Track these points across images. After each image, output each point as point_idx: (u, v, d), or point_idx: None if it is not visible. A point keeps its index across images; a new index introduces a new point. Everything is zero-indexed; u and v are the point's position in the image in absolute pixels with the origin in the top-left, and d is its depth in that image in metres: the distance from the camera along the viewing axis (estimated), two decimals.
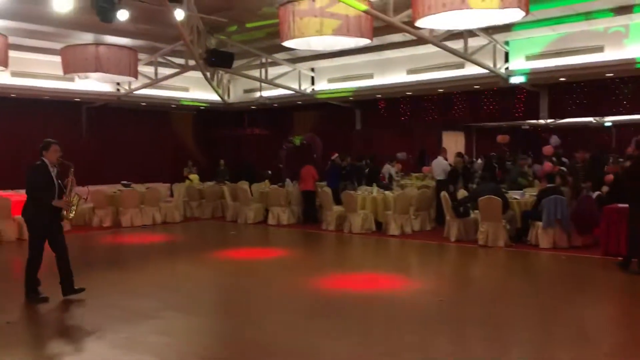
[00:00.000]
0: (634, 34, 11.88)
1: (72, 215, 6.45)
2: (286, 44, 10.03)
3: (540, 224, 9.95)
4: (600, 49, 12.28)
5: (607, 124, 21.69)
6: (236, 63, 14.85)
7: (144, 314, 6.23)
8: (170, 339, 5.46)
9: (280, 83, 16.43)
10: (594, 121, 20.70)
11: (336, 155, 14.51)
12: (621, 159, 12.00)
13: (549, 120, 19.39)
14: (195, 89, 17.90)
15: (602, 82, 13.76)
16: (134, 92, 16.20)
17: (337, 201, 13.00)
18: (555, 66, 12.81)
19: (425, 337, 5.54)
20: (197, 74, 15.80)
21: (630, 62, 11.87)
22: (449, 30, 11.59)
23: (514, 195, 11.05)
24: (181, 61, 15.10)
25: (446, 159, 13.31)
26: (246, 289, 7.62)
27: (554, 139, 13.80)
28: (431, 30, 11.48)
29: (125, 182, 15.13)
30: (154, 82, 15.66)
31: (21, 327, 5.92)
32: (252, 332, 5.66)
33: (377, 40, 12.64)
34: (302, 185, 13.95)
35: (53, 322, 5.88)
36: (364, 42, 10.04)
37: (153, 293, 7.30)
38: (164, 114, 19.53)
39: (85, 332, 5.61)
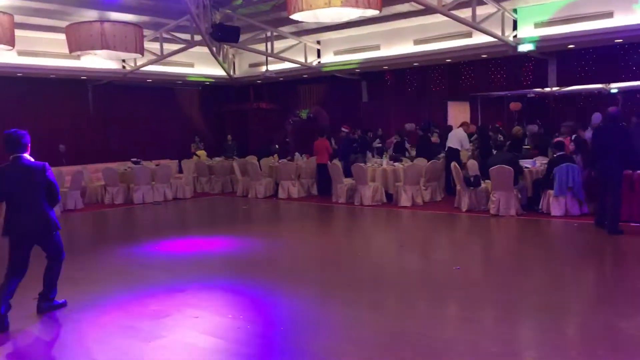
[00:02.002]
0: None
1: None
2: (294, 16, 9.96)
3: (552, 192, 10.01)
4: (609, 14, 12.15)
5: (613, 91, 21.56)
6: (241, 37, 14.74)
7: (173, 288, 6.34)
8: (200, 311, 5.55)
9: (286, 57, 16.34)
10: (602, 87, 20.56)
11: (346, 128, 14.57)
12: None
13: (555, 88, 19.28)
14: (200, 65, 17.82)
15: (611, 48, 13.66)
16: (140, 69, 16.15)
17: (347, 174, 13.07)
18: (564, 33, 12.67)
19: (443, 305, 5.64)
20: (202, 50, 15.71)
21: (638, 28, 11.76)
22: None
23: (525, 164, 11.08)
24: (186, 36, 15.01)
25: (466, 132, 13.26)
26: (267, 261, 7.72)
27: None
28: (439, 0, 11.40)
29: (134, 159, 15.20)
30: (160, 59, 15.59)
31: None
32: (284, 302, 5.78)
33: (384, 11, 12.48)
34: (318, 158, 14.03)
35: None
36: (371, 12, 9.97)
37: (178, 268, 7.41)
38: (169, 90, 19.49)
39: (109, 309, 5.73)
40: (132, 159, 15.26)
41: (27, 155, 5.30)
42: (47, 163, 5.42)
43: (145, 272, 7.23)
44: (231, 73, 18.17)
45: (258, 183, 14.47)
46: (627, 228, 8.62)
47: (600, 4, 12.16)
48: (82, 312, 5.58)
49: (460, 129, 13.19)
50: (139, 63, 15.98)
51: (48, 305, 5.63)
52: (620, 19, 12.01)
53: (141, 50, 13.29)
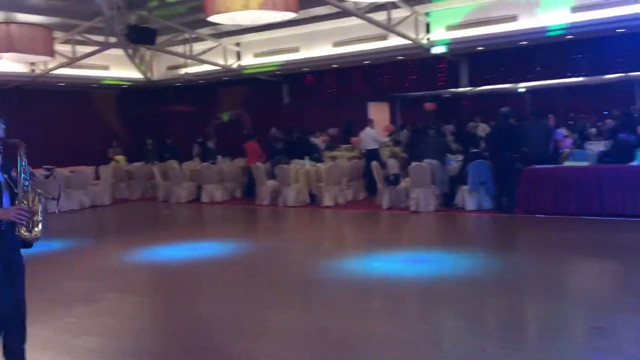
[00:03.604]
0: (545, 3, 12.52)
1: (36, 231, 3.62)
2: (211, 19, 9.89)
3: (466, 187, 10.49)
4: (513, 18, 12.88)
5: (520, 90, 22.76)
6: (159, 39, 14.46)
7: (86, 297, 6.16)
8: (116, 319, 5.45)
9: (206, 59, 16.17)
10: (511, 87, 21.65)
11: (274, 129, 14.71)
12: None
13: (467, 88, 20.14)
14: (116, 67, 17.27)
15: (516, 50, 14.44)
16: (51, 72, 15.48)
17: (271, 175, 13.13)
18: (474, 36, 13.30)
19: (367, 300, 5.82)
20: (117, 52, 15.28)
21: (541, 31, 12.53)
22: (372, 2, 11.82)
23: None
24: (100, 38, 14.54)
25: (373, 129, 13.68)
26: (186, 268, 7.63)
27: None
28: (356, 3, 11.66)
29: (48, 166, 14.40)
30: (72, 61, 15.00)
31: None
32: (198, 307, 5.75)
33: (303, 14, 12.63)
34: (248, 160, 14.04)
35: None
36: (290, 15, 10.06)
37: (92, 277, 7.19)
38: (84, 94, 18.75)
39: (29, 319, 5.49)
40: (44, 166, 14.51)
41: None
42: None
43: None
44: (149, 75, 17.76)
45: (180, 187, 14.24)
46: (533, 219, 9.25)
47: (506, 8, 12.87)
48: None
49: (368, 128, 13.58)
50: (49, 66, 15.31)
51: None
52: (524, 23, 12.75)
53: (51, 53, 12.77)
